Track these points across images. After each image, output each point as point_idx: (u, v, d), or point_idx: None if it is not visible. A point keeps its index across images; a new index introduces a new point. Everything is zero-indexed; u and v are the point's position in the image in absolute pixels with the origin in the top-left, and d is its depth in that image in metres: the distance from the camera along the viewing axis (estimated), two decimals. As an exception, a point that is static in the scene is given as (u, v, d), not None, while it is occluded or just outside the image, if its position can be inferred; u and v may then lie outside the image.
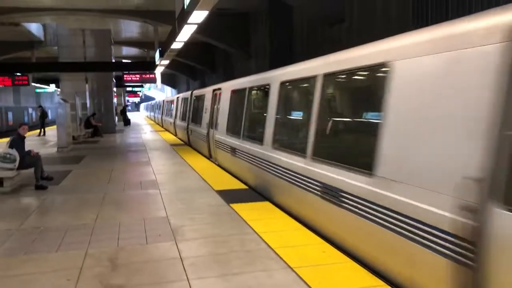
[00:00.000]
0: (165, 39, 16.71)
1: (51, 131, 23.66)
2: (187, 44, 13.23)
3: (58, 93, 35.03)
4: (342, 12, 11.34)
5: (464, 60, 3.26)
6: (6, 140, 10.86)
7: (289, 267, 4.15)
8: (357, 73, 4.96)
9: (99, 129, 21.90)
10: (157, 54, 17.67)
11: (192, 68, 31.98)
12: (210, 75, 27.85)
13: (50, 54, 27.93)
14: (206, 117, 13.34)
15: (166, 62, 17.70)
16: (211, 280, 3.90)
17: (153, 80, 22.99)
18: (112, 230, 5.54)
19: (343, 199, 4.70)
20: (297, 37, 14.62)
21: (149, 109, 52.37)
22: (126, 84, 32.08)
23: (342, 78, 5.40)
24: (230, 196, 7.18)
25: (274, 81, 7.49)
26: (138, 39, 26.60)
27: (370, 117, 4.68)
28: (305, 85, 6.45)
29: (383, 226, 3.98)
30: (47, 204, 7.20)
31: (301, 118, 6.61)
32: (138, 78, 22.29)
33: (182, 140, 18.89)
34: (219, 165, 11.15)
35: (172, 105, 24.64)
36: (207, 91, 13.91)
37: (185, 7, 8.49)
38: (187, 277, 3.98)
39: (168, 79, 47.11)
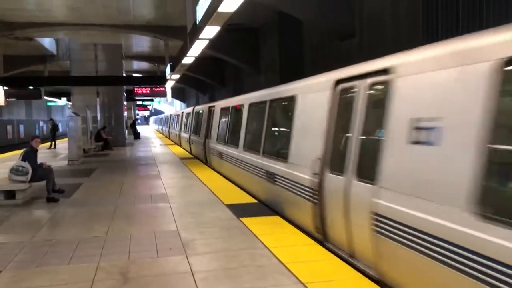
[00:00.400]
0: (176, 53, 16.90)
1: (61, 144, 23.87)
2: (197, 58, 13.36)
3: (69, 106, 35.41)
4: (352, 27, 11.41)
5: None
6: (18, 152, 10.97)
7: (301, 282, 4.13)
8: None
9: (109, 142, 22.06)
10: (168, 69, 17.86)
11: (202, 82, 32.20)
12: (219, 89, 28.02)
13: (62, 68, 28.30)
14: (203, 129, 15.96)
15: (177, 76, 17.87)
16: (223, 295, 3.89)
17: (163, 94, 23.18)
18: (123, 243, 5.56)
19: (276, 179, 7.50)
20: (307, 51, 14.71)
21: (158, 123, 52.85)
22: (137, 98, 32.43)
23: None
24: (240, 210, 7.18)
25: (245, 103, 10.35)
26: (149, 54, 26.89)
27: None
28: (260, 106, 9.23)
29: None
30: (59, 216, 7.25)
31: (258, 129, 9.12)
32: (148, 92, 22.50)
33: (185, 150, 20.49)
34: (212, 168, 13.19)
35: (177, 119, 26.76)
36: (204, 107, 16.68)
37: (197, 22, 8.60)
38: (198, 292, 3.97)
39: (177, 93, 47.43)
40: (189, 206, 7.74)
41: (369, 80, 4.90)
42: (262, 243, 5.38)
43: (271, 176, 7.71)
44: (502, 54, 3.05)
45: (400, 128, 4.12)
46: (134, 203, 8.14)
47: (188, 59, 12.97)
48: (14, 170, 8.32)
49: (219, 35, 9.61)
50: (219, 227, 6.21)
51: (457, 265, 3.23)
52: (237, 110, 11.32)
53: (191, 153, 18.97)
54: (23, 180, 8.30)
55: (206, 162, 15.13)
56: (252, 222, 6.38)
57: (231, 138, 11.52)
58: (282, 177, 7.16)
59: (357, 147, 4.98)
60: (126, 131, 28.08)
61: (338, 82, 5.64)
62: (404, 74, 4.19)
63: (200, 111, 17.62)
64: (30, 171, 8.34)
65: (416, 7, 8.92)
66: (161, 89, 22.53)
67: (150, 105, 52.11)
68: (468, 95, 3.31)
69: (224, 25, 8.13)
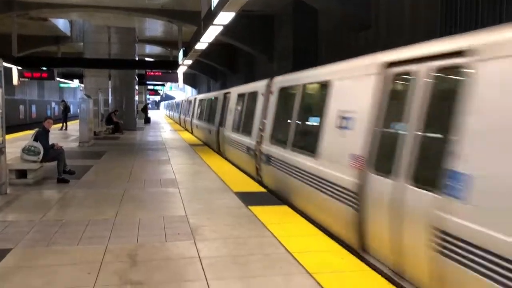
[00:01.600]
0: (189, 39, 16.85)
1: (73, 126, 24.07)
2: (210, 44, 13.31)
3: (81, 88, 35.59)
4: (368, 18, 11.28)
5: None
6: (30, 132, 11.09)
7: (308, 272, 4.15)
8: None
9: (120, 126, 22.19)
10: (180, 54, 17.84)
11: (214, 69, 32.14)
12: (231, 76, 27.96)
13: (76, 49, 28.43)
14: (224, 116, 14.68)
15: (189, 62, 17.84)
16: (230, 282, 3.92)
17: (175, 79, 23.19)
18: (132, 226, 5.60)
19: (271, 160, 8.26)
20: (322, 41, 14.59)
21: (169, 108, 52.93)
22: (148, 82, 32.49)
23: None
24: (248, 199, 7.20)
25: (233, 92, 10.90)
26: (162, 38, 26.88)
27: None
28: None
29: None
30: (69, 197, 7.33)
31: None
32: (160, 77, 22.49)
33: (197, 137, 20.22)
34: (227, 159, 12.59)
35: (190, 105, 26.12)
36: (212, 95, 17.28)
37: (212, 8, 8.56)
38: (206, 277, 4.01)
39: (189, 79, 47.43)
40: (198, 192, 7.78)
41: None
42: (270, 232, 5.40)
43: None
44: None
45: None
46: (144, 187, 8.19)
47: (201, 45, 12.92)
48: (26, 150, 8.41)
49: (233, 21, 9.56)
50: (227, 214, 6.24)
51: None
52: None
53: (191, 132, 18.76)
54: (35, 160, 8.39)
55: (219, 152, 14.29)
56: (260, 211, 6.39)
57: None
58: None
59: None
60: (137, 115, 28.22)
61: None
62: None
63: (207, 99, 17.01)
64: (42, 151, 8.43)
65: (435, -1, 8.78)
66: (173, 74, 22.53)
67: (161, 90, 52.18)
68: None
69: (239, 11, 8.07)
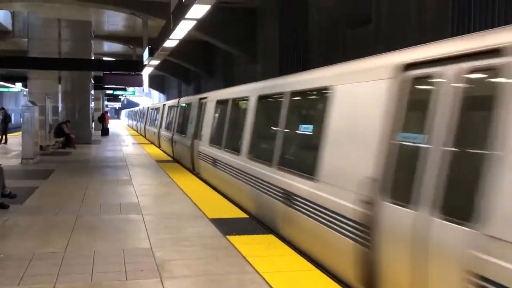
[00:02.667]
0: (156, 35, 16.88)
1: (14, 139, 23.75)
2: (182, 42, 13.36)
3: (25, 93, 35.22)
4: (368, 11, 11.47)
5: None
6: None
7: (298, 315, 4.14)
8: None
9: (72, 139, 21.96)
10: (145, 52, 17.84)
11: (186, 71, 32.21)
12: (207, 79, 28.03)
13: (18, 47, 28.18)
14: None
15: (156, 62, 17.85)
16: (204, 328, 3.89)
17: (139, 83, 23.13)
18: (86, 261, 5.53)
19: (227, 168, 10.12)
20: (314, 38, 14.74)
21: (132, 117, 52.69)
22: (107, 86, 32.37)
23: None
24: (226, 226, 7.18)
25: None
26: (124, 34, 26.86)
27: None
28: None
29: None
30: (9, 226, 7.20)
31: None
32: (121, 80, 22.43)
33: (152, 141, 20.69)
34: (200, 178, 12.89)
35: (156, 113, 26.88)
36: (187, 100, 17.72)
37: (183, -1, 8.61)
38: (175, 323, 3.96)
39: (156, 82, 47.41)
40: (166, 219, 7.72)
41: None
42: (252, 266, 5.38)
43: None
44: None
45: None
46: (100, 213, 8.11)
47: (170, 42, 12.98)
48: (-44, 169, 8.26)
49: (209, 15, 9.62)
50: (201, 246, 6.20)
51: None
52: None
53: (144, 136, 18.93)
54: (-33, 181, 8.23)
55: (193, 169, 14.46)
56: (241, 241, 6.37)
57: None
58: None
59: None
60: (93, 125, 28.01)
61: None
62: None
63: (171, 107, 17.49)
64: (-25, 170, 8.28)
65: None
66: (137, 77, 22.47)
67: (122, 95, 51.98)
68: None
69: (216, 3, 8.15)
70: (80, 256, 5.71)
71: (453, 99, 3.96)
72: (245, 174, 8.97)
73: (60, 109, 23.32)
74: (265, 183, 7.83)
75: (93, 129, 27.13)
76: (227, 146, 10.80)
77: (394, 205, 4.39)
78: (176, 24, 10.19)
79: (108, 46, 31.86)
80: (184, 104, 17.69)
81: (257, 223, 7.52)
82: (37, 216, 7.85)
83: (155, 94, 57.10)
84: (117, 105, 73.90)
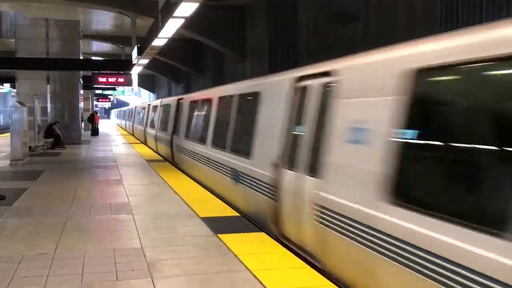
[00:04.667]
0: (145, 34, 16.81)
1: (2, 140, 23.58)
2: (170, 40, 13.31)
3: (13, 94, 34.98)
4: (357, 9, 11.49)
5: None
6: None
7: (290, 313, 4.13)
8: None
9: (61, 139, 21.85)
10: (134, 52, 17.76)
11: (176, 70, 32.10)
12: (196, 78, 27.97)
13: (6, 47, 27.95)
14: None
15: (145, 61, 17.78)
16: (195, 327, 3.87)
17: (129, 82, 23.06)
18: (76, 262, 5.50)
19: (197, 156, 11.73)
20: (303, 36, 14.75)
21: (121, 117, 52.62)
22: (96, 86, 32.23)
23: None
24: (218, 225, 7.18)
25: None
26: (112, 33, 26.72)
27: None
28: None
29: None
30: (-3, 228, 7.14)
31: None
32: (111, 80, 22.37)
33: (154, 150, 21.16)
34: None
35: (143, 112, 28.53)
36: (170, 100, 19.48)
37: (171, -3, 8.58)
38: (166, 323, 3.95)
39: (146, 82, 47.22)
40: (157, 218, 7.71)
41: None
42: (244, 265, 5.38)
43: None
44: None
45: None
46: (90, 214, 8.08)
47: (159, 41, 12.92)
48: None
49: (198, 13, 9.59)
50: (192, 245, 6.19)
51: None
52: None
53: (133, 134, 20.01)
54: (-46, 183, 8.17)
55: (172, 161, 16.28)
56: (232, 240, 6.37)
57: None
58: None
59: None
60: (82, 125, 27.86)
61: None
62: None
63: (154, 107, 18.87)
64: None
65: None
66: (126, 77, 22.40)
67: (112, 95, 51.79)
68: None
69: (204, 1, 8.11)
70: (70, 257, 5.68)
71: (316, 102, 5.94)
72: (208, 160, 11.06)
73: (49, 109, 23.22)
74: (220, 165, 9.99)
75: (82, 129, 26.98)
76: (197, 138, 12.81)
77: (287, 170, 6.56)
78: (164, 22, 10.14)
79: (97, 46, 31.70)
80: (165, 104, 19.71)
81: (248, 221, 7.53)
82: (26, 217, 7.81)
83: (145, 93, 56.90)
84: (107, 105, 73.58)
